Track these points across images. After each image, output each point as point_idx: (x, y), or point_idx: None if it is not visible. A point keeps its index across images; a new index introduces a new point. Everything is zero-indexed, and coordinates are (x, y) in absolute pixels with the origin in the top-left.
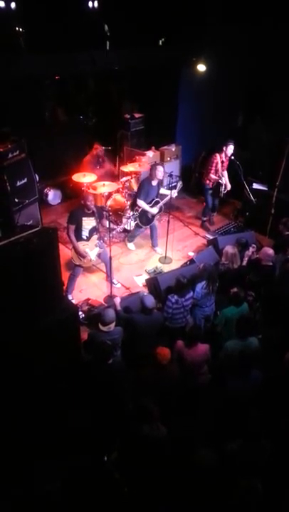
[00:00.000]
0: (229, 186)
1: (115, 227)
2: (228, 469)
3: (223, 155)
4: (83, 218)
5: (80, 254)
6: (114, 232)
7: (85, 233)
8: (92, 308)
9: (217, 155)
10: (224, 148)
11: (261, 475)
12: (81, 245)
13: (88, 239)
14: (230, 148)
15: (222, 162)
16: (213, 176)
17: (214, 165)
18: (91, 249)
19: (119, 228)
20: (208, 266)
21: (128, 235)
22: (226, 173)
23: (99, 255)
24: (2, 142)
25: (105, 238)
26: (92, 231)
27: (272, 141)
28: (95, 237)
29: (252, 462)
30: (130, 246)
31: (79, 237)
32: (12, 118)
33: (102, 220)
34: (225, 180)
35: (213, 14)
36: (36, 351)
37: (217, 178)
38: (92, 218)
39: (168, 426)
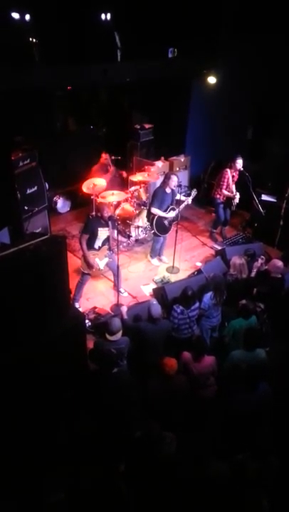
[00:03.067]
0: (238, 198)
1: (126, 239)
2: (235, 484)
3: (233, 170)
4: (99, 229)
5: (89, 265)
6: (124, 244)
7: (98, 243)
8: (98, 317)
9: (228, 170)
10: (233, 163)
11: (269, 492)
12: (91, 255)
13: (99, 249)
14: (238, 163)
15: (232, 176)
16: (225, 192)
17: (226, 180)
18: (100, 259)
19: (130, 240)
20: (217, 276)
21: (150, 252)
22: (233, 186)
23: (107, 264)
24: (14, 151)
25: (115, 249)
26: (105, 241)
27: (282, 153)
28: (105, 247)
29: (259, 478)
30: (154, 262)
31: (91, 247)
32: (24, 127)
33: (114, 229)
34: (233, 194)
35: (226, 27)
36: (42, 359)
37: (229, 193)
38: (107, 229)
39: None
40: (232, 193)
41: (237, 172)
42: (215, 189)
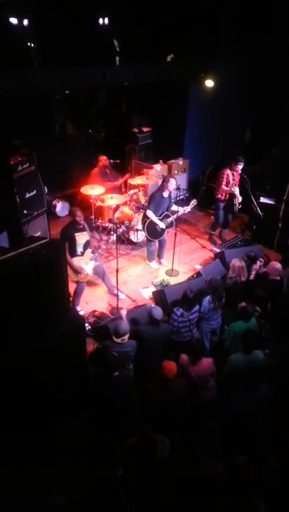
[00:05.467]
0: (240, 198)
1: (106, 237)
2: (233, 486)
3: (232, 170)
4: (76, 234)
5: (76, 270)
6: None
7: (79, 249)
8: (98, 320)
9: (227, 169)
10: (233, 164)
11: (266, 493)
12: (76, 261)
13: (83, 254)
14: (239, 165)
15: (232, 175)
16: (225, 188)
17: (225, 177)
18: (86, 264)
19: (110, 239)
20: (213, 280)
21: (147, 255)
22: (237, 188)
23: (94, 268)
24: (13, 155)
25: (99, 250)
26: (86, 245)
27: (280, 155)
28: (88, 250)
29: (258, 480)
30: (153, 265)
31: (74, 253)
32: (23, 131)
33: (93, 232)
34: (237, 193)
35: (225, 30)
36: (42, 361)
37: (229, 189)
38: (85, 232)
39: (173, 441)
40: (232, 189)
41: (238, 173)
42: (216, 189)
